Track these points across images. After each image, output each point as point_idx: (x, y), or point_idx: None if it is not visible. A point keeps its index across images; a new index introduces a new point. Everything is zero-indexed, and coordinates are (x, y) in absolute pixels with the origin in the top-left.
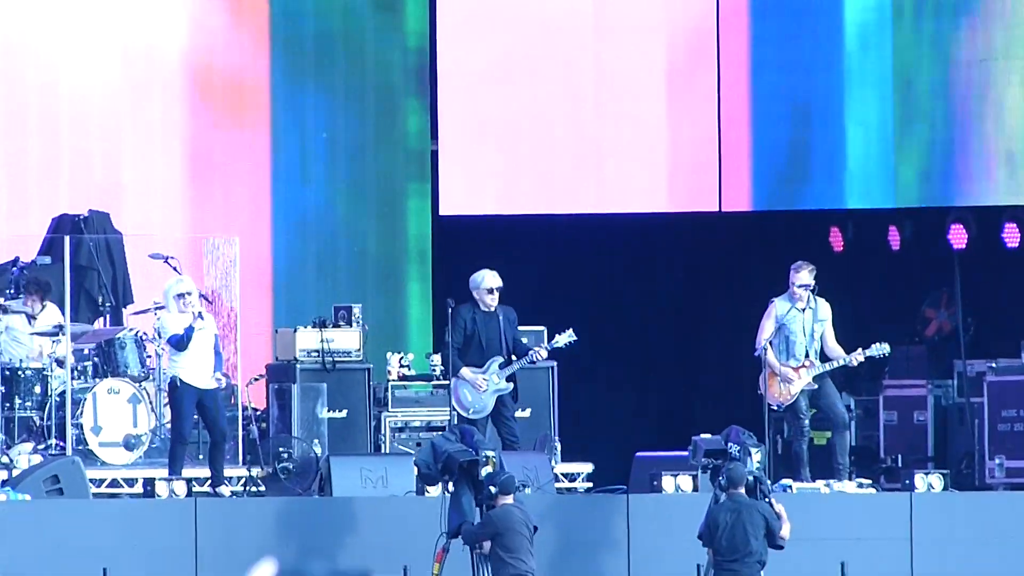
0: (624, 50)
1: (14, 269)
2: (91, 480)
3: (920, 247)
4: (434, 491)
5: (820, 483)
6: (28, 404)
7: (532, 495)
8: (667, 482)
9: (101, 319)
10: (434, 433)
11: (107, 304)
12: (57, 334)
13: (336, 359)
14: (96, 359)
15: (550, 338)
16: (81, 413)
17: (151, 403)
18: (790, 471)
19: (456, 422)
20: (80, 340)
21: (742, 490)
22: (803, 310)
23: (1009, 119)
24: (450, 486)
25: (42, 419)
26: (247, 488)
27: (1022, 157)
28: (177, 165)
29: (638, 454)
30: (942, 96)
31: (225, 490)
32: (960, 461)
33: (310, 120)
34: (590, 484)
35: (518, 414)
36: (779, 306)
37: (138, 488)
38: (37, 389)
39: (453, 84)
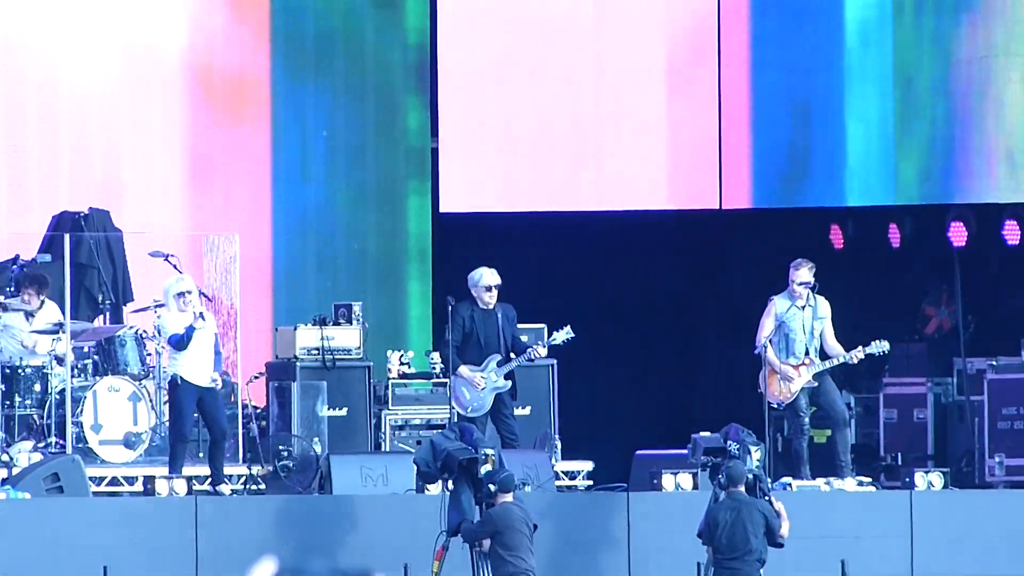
0: (624, 46)
1: (14, 267)
2: (91, 478)
3: (920, 245)
4: (434, 489)
5: (820, 481)
6: (28, 402)
7: (532, 493)
8: (667, 480)
9: (101, 317)
10: (434, 431)
11: (107, 302)
12: (57, 332)
13: (336, 357)
14: (96, 357)
15: (549, 336)
16: (81, 411)
17: (151, 401)
18: (790, 469)
19: (456, 420)
20: (80, 338)
21: (742, 488)
22: (803, 308)
23: (1009, 116)
24: (449, 484)
25: (42, 417)
26: (247, 486)
27: (1022, 155)
28: (177, 163)
29: (638, 452)
30: (942, 93)
31: (225, 488)
32: (960, 459)
33: (310, 118)
34: (590, 482)
35: (518, 412)
36: (779, 304)
37: (138, 486)
38: (37, 387)
39: (453, 82)
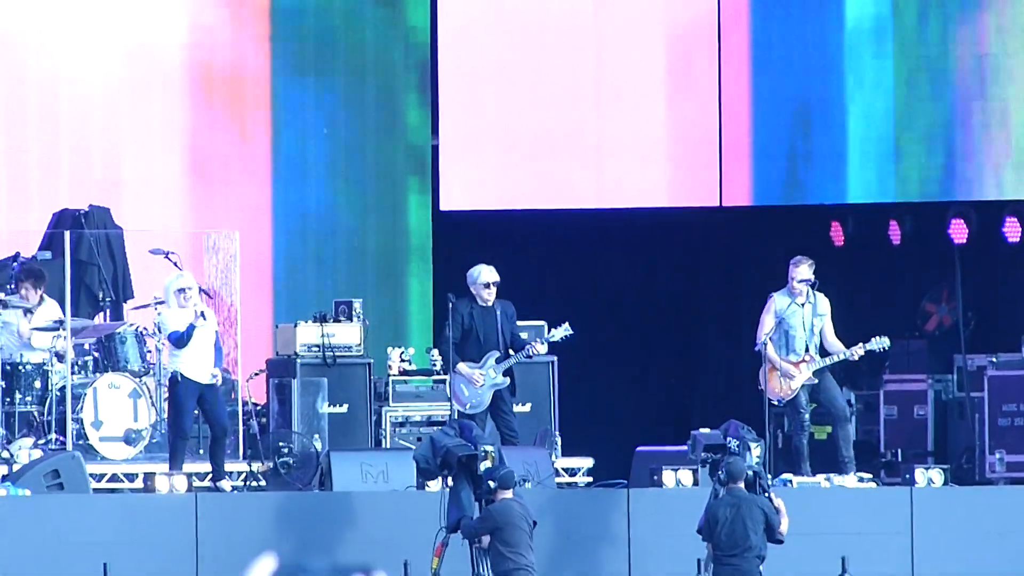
0: (625, 42)
1: (14, 264)
2: (91, 475)
3: (921, 242)
4: (434, 486)
5: (820, 477)
6: (28, 399)
7: (532, 489)
8: (667, 476)
9: (101, 314)
10: (435, 428)
11: (107, 299)
12: (57, 329)
13: (336, 354)
14: (96, 354)
15: (548, 333)
16: (81, 408)
17: (151, 398)
18: (790, 466)
19: (456, 417)
20: (80, 335)
21: (741, 485)
22: (802, 305)
23: (1010, 113)
24: (449, 481)
25: (42, 414)
26: (247, 483)
27: (1022, 152)
28: (177, 160)
29: (638, 448)
30: (943, 90)
31: (226, 484)
32: (960, 456)
33: (310, 115)
34: (590, 479)
35: (519, 409)
36: (778, 301)
37: (138, 483)
38: (37, 384)
39: (454, 79)
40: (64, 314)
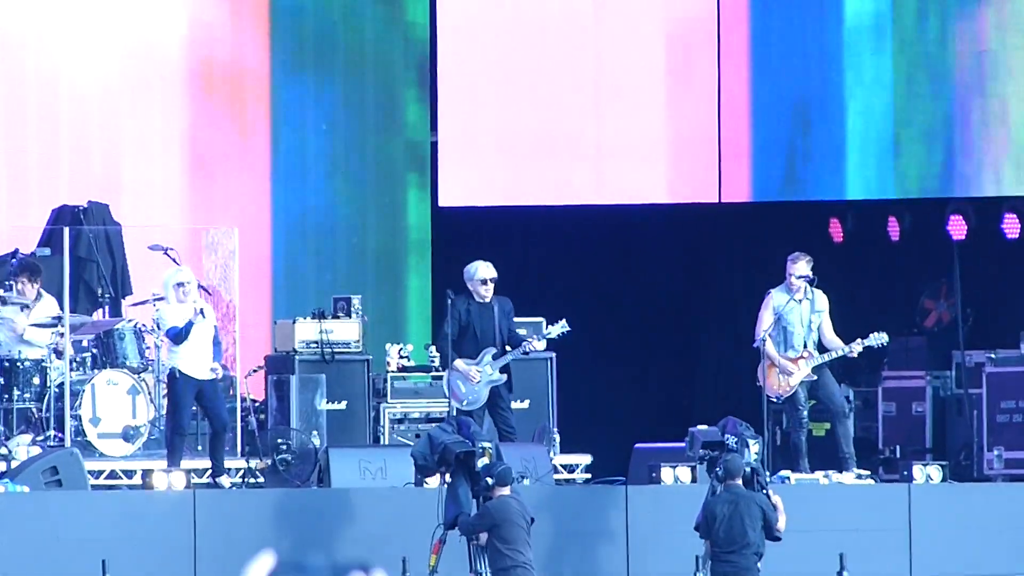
0: (624, 38)
1: (13, 261)
2: (90, 472)
3: (919, 238)
4: (432, 483)
5: (819, 474)
6: (27, 395)
7: (530, 486)
8: (666, 473)
9: (100, 310)
10: (433, 424)
11: (106, 295)
12: (56, 325)
13: (335, 350)
14: (95, 350)
15: (545, 329)
16: (80, 404)
17: (150, 394)
18: (789, 462)
19: (454, 413)
20: (79, 331)
21: (739, 481)
22: (800, 301)
23: (1009, 110)
24: (447, 477)
25: (40, 411)
26: (246, 480)
27: (1022, 148)
28: (177, 157)
29: (637, 445)
30: (942, 87)
31: (226, 480)
32: (959, 452)
33: (310, 112)
34: (589, 475)
35: (517, 405)
36: (776, 297)
37: (137, 480)
38: (36, 380)
39: (453, 76)
40: (63, 310)
